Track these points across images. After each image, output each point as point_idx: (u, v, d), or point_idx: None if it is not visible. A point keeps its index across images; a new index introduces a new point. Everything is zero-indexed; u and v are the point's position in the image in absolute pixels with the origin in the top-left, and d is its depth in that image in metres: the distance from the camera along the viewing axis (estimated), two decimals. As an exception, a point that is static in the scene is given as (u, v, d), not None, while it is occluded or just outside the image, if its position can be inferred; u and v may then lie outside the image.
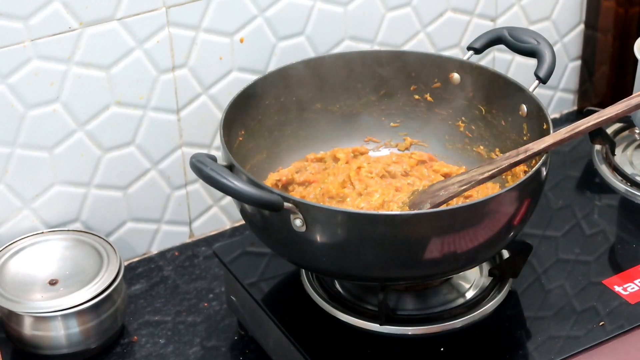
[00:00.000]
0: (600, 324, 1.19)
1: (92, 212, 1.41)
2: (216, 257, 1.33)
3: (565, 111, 1.79)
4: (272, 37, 1.44)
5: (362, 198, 1.26)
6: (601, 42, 1.71)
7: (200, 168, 1.08)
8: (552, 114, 1.77)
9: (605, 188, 1.44)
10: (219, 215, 1.52)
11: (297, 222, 1.09)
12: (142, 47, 1.35)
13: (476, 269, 1.27)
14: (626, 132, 1.55)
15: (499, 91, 1.30)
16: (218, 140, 1.33)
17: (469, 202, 1.21)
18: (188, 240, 1.51)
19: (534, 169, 1.13)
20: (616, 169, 1.46)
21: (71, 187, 1.38)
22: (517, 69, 1.69)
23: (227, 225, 1.54)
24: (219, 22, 1.39)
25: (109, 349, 1.32)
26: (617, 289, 1.24)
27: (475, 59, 1.35)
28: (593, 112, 1.48)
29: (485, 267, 1.27)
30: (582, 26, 1.73)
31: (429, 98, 1.37)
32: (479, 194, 1.28)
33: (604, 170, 1.46)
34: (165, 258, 1.48)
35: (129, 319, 1.37)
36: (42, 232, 1.36)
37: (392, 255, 1.10)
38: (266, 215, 1.12)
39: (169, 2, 1.34)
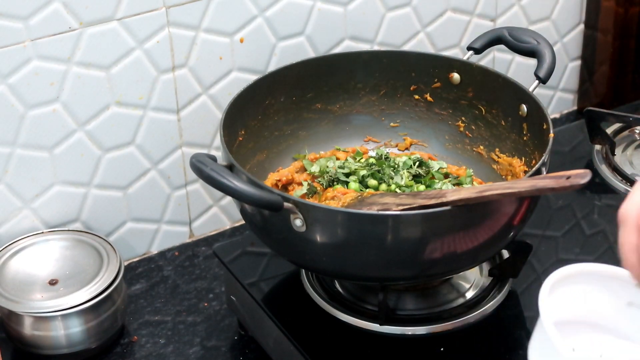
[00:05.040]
0: (600, 324, 1.19)
1: (92, 212, 1.41)
2: (216, 257, 1.33)
3: (565, 111, 1.79)
4: (272, 37, 1.44)
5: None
6: (601, 42, 1.71)
7: (200, 168, 1.08)
8: (552, 114, 1.77)
9: (605, 188, 1.44)
10: (219, 215, 1.52)
11: (297, 222, 1.09)
12: (142, 47, 1.35)
13: (476, 269, 1.26)
14: (626, 132, 1.55)
15: (499, 91, 1.30)
16: (218, 140, 1.33)
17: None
18: (188, 240, 1.51)
19: (533, 169, 1.13)
20: (616, 169, 1.46)
21: (71, 187, 1.38)
22: (517, 69, 1.69)
23: (227, 225, 1.54)
24: (219, 22, 1.39)
25: (109, 349, 1.32)
26: (617, 289, 1.24)
27: (475, 59, 1.35)
28: (593, 112, 1.50)
29: (485, 267, 1.27)
30: (582, 26, 1.73)
31: (429, 98, 1.37)
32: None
33: (604, 170, 1.46)
34: (165, 258, 1.48)
35: (129, 319, 1.37)
36: (42, 232, 1.36)
37: (392, 255, 1.09)
38: (266, 215, 1.12)
39: (169, 2, 1.34)
